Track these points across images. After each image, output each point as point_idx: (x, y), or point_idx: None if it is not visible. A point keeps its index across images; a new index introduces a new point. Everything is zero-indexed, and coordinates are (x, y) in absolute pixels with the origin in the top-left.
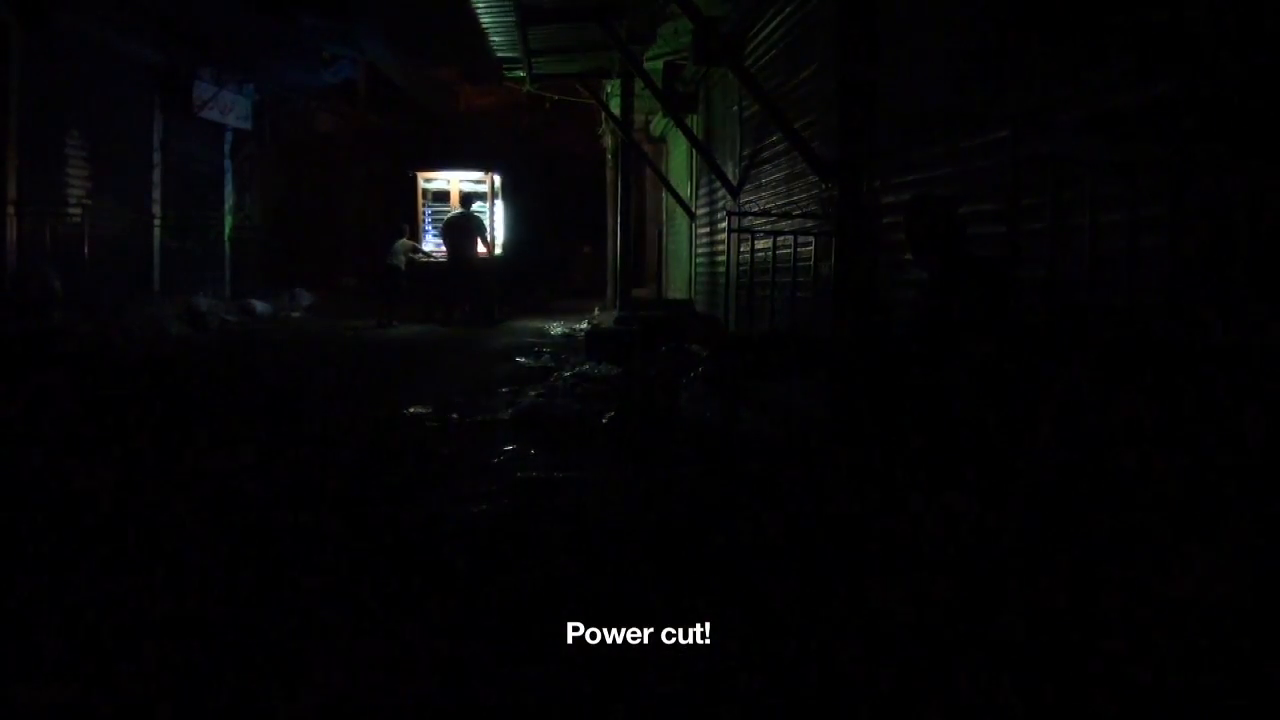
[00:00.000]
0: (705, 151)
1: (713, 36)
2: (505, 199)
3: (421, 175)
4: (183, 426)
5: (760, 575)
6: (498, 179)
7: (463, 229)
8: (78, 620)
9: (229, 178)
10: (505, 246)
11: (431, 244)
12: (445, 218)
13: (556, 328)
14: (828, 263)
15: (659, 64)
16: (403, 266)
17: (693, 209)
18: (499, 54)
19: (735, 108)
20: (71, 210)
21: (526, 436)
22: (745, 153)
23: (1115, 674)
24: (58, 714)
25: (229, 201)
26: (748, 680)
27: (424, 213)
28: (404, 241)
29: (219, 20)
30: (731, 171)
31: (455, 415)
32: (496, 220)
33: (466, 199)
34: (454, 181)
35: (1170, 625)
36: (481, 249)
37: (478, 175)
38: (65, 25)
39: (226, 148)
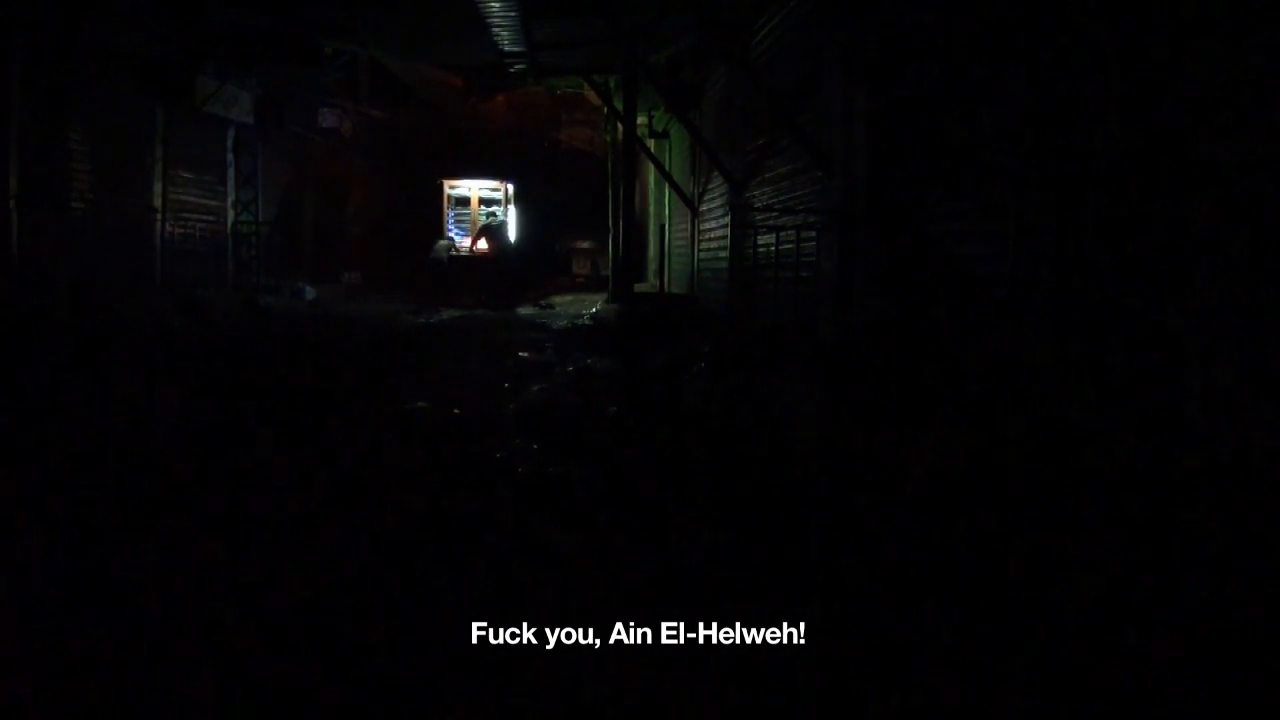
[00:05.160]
0: (708, 146)
1: (717, 30)
2: (517, 202)
3: (447, 182)
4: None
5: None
6: (511, 187)
7: (497, 231)
8: None
9: (231, 172)
10: (515, 243)
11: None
12: (483, 223)
13: (560, 321)
14: (831, 257)
15: (662, 57)
16: (445, 262)
17: (695, 204)
18: (503, 47)
19: (739, 102)
20: (74, 205)
21: (530, 432)
22: (749, 147)
23: None
24: None
25: (231, 196)
26: None
27: (448, 214)
28: (443, 242)
29: (221, 15)
30: (735, 166)
31: (458, 410)
32: (510, 221)
33: (490, 226)
34: (474, 190)
35: None
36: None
37: (494, 183)
38: (67, 21)
39: (229, 142)
